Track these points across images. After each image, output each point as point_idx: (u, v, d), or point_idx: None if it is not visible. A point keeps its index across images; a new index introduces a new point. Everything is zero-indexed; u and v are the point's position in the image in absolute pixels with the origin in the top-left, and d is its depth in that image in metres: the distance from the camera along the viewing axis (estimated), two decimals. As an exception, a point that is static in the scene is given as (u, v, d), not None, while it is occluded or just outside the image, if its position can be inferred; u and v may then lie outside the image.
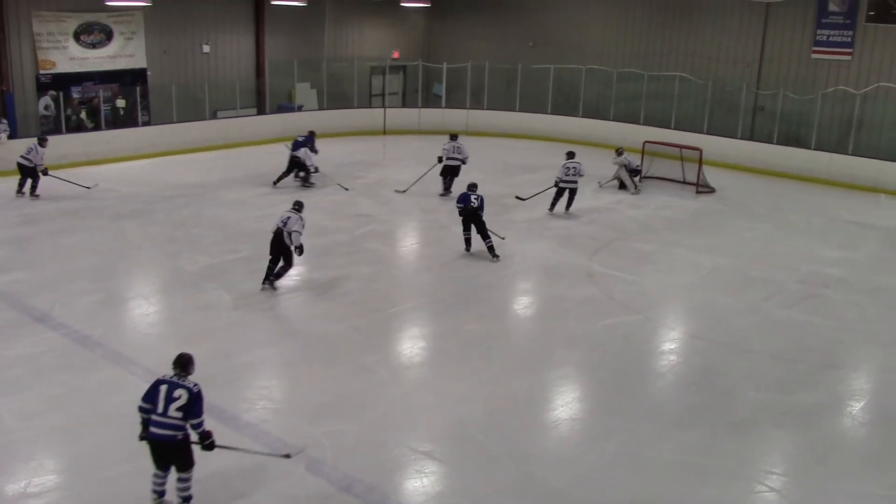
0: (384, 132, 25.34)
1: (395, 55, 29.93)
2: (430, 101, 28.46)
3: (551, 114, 26.02)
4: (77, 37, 22.45)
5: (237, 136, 23.46)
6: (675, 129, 23.22)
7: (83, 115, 22.69)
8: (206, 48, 25.31)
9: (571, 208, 17.34)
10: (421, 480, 7.96)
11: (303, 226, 12.41)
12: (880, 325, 12.26)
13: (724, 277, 13.94)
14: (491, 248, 14.28)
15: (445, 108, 27.12)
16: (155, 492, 7.23)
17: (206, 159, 21.56)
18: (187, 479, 7.14)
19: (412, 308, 12.41)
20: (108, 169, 19.85)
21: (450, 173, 18.34)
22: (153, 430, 6.96)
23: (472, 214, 14.28)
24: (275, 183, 18.75)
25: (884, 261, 15.25)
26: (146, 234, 15.38)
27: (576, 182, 17.24)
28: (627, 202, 18.46)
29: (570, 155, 17.60)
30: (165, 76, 23.91)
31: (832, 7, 21.77)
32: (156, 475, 7.21)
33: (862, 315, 12.54)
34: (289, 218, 12.36)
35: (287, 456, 7.77)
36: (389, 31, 29.87)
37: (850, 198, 19.78)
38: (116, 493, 7.62)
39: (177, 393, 6.93)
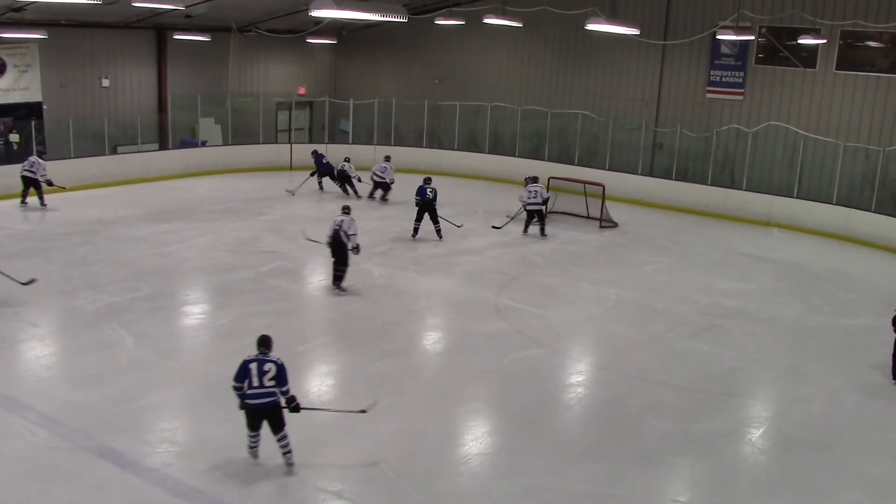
0: (291, 168, 25.13)
1: (302, 91, 29.83)
2: (337, 136, 28.41)
3: (458, 150, 26.29)
4: (-33, 69, 21.67)
5: (138, 171, 22.88)
6: (578, 165, 23.78)
7: (-27, 149, 21.85)
8: (106, 82, 24.72)
9: (546, 232, 18.70)
10: (330, 521, 7.82)
11: (356, 227, 14.13)
12: (777, 353, 12.69)
13: (628, 310, 14.23)
14: (438, 231, 17.51)
15: (353, 143, 27.10)
16: (251, 447, 8.51)
17: (106, 195, 20.92)
18: (284, 438, 8.39)
19: (319, 345, 12.27)
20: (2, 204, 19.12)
21: (378, 187, 21.46)
22: (250, 401, 8.26)
23: (427, 205, 17.21)
24: (357, 195, 21.72)
25: (778, 292, 15.82)
26: (41, 273, 14.74)
27: (542, 205, 18.51)
28: (533, 237, 18.71)
29: (534, 180, 18.82)
30: (63, 110, 23.23)
31: (724, 49, 22.71)
32: (250, 436, 8.47)
33: (759, 344, 12.97)
34: (343, 221, 14.03)
35: (363, 411, 9.03)
36: (295, 67, 29.78)
37: (745, 231, 20.52)
38: (7, 546, 7.25)
39: (266, 367, 8.25)
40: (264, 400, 8.25)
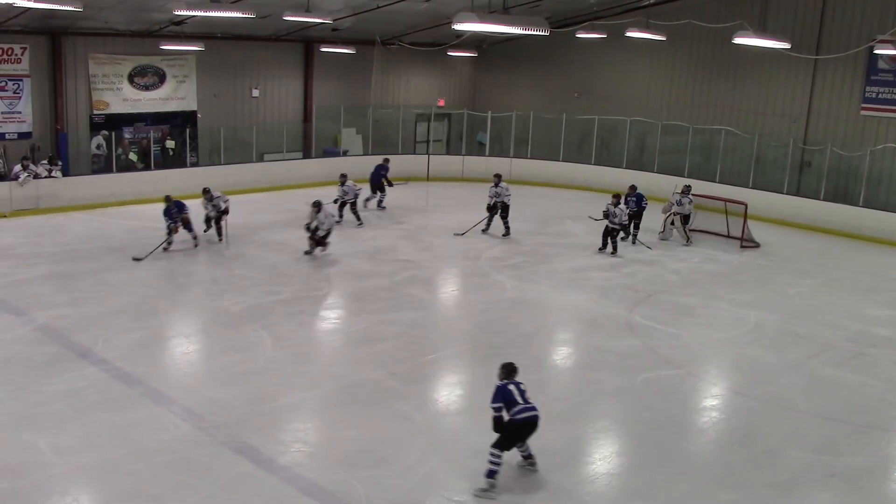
0: (427, 178, 25.51)
1: (441, 103, 30.24)
2: (474, 148, 28.64)
3: (595, 164, 26.00)
4: (131, 79, 23.06)
5: (283, 179, 23.77)
6: (719, 182, 23.08)
7: (132, 155, 23.17)
8: (256, 92, 25.80)
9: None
10: (455, 531, 7.84)
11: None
12: (930, 387, 11.92)
13: (768, 334, 13.69)
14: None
15: (489, 156, 27.27)
16: (497, 471, 8.46)
17: (252, 201, 21.80)
18: (525, 443, 8.81)
19: (450, 355, 12.35)
20: (154, 208, 20.11)
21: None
22: (523, 416, 8.48)
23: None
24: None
25: (934, 322, 14.87)
26: (189, 274, 15.55)
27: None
28: (670, 255, 18.29)
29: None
30: (215, 119, 24.39)
31: (882, 64, 21.60)
32: (499, 456, 8.48)
33: (911, 377, 12.22)
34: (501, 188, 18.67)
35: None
36: (435, 80, 30.24)
37: (899, 256, 19.42)
38: (149, 532, 7.62)
39: (522, 386, 8.67)
40: (532, 414, 8.53)
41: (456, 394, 11.11)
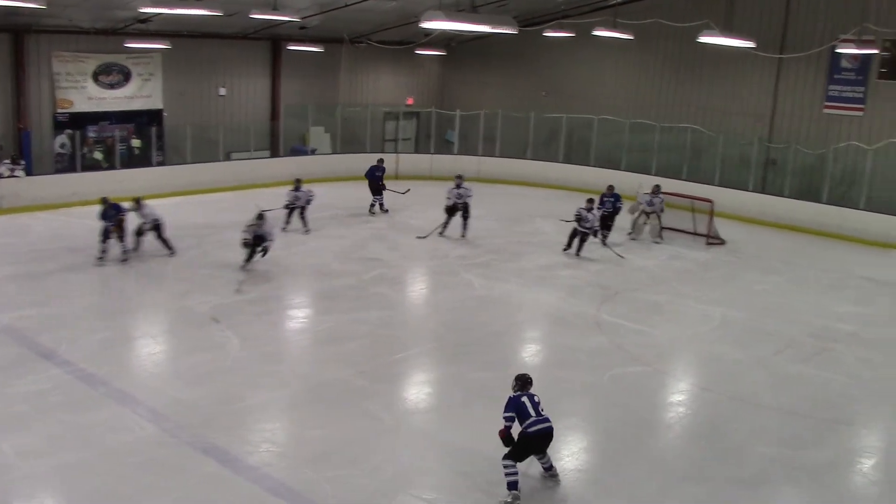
0: (396, 177, 25.44)
1: (410, 101, 30.21)
2: (443, 147, 28.63)
3: (563, 162, 26.12)
4: (96, 77, 22.78)
5: (250, 178, 23.57)
6: (686, 180, 23.26)
7: (97, 154, 22.90)
8: (223, 91, 25.61)
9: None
10: (423, 530, 7.84)
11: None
12: (893, 382, 12.09)
13: (735, 330, 13.83)
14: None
15: (458, 154, 27.28)
16: (517, 482, 8.30)
17: (218, 200, 21.65)
18: (546, 454, 8.69)
19: (419, 354, 12.34)
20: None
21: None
22: (535, 429, 8.38)
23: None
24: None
25: (896, 317, 15.11)
26: (155, 274, 15.39)
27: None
28: (637, 252, 18.41)
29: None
30: (181, 117, 24.16)
31: (844, 63, 21.91)
32: (514, 466, 8.32)
33: (874, 372, 12.38)
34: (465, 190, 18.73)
35: None
36: (404, 78, 30.20)
37: (863, 253, 19.68)
38: (114, 534, 7.53)
39: (536, 399, 8.57)
40: (546, 425, 8.44)
41: (424, 392, 11.11)
